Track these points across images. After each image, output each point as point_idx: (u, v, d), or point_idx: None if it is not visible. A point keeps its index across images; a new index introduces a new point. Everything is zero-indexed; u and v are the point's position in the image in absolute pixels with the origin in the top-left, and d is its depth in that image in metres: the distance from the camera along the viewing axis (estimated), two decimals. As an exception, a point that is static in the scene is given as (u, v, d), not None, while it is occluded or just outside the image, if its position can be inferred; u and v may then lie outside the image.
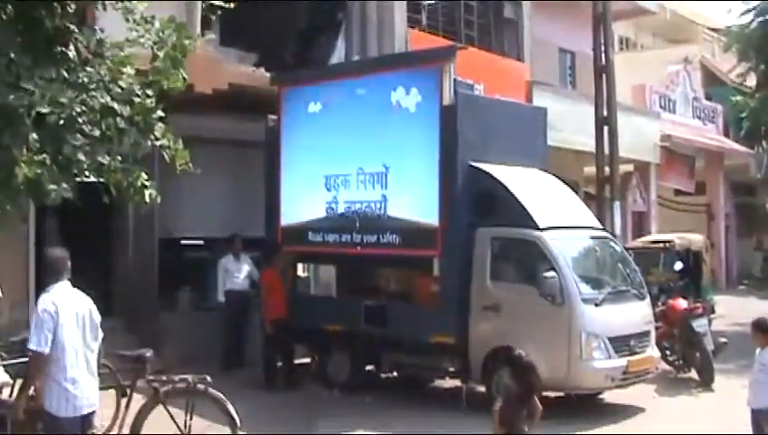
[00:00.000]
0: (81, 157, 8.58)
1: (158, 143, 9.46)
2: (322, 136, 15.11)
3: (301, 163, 15.43)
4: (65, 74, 8.80)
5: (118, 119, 8.98)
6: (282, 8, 19.06)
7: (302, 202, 15.40)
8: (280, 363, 15.10)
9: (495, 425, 7.75)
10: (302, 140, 15.46)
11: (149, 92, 9.33)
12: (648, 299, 14.16)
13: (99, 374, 10.16)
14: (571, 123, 23.04)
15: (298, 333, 15.18)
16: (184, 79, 9.76)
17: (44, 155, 8.23)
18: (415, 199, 13.81)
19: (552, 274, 12.59)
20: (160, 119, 9.45)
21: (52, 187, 8.35)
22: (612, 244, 14.85)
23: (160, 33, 9.70)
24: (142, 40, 9.73)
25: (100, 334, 7.97)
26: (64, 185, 8.46)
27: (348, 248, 14.68)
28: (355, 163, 14.57)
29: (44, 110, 8.09)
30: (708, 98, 37.27)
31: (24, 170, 7.99)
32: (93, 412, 7.77)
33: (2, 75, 8.14)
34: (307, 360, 15.70)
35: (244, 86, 16.09)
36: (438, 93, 13.55)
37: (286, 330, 14.96)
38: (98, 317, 7.93)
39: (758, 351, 9.35)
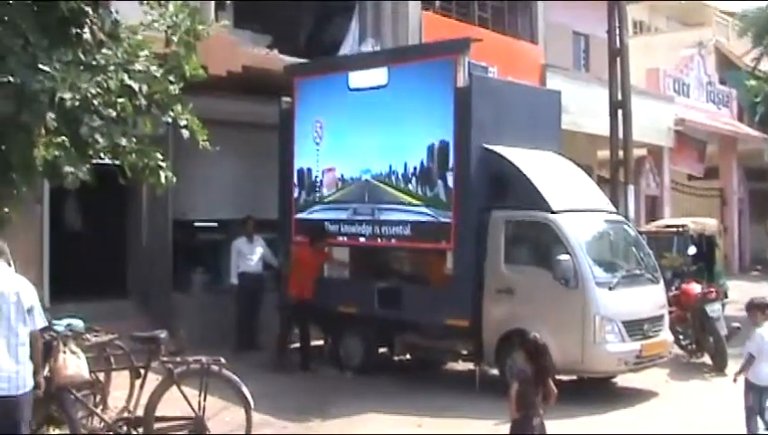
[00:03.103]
0: (99, 138, 8.58)
1: (180, 122, 9.46)
2: (337, 128, 15.17)
3: (314, 155, 15.49)
4: (81, 56, 8.80)
5: (139, 97, 8.98)
6: (296, -10, 19.08)
7: (315, 193, 15.45)
8: (296, 345, 15.13)
9: (512, 409, 7.77)
10: (315, 131, 15.50)
11: (172, 78, 9.35)
12: (661, 283, 14.13)
13: (113, 356, 10.36)
14: (584, 107, 23.02)
15: (312, 314, 15.23)
16: (203, 67, 9.80)
17: (62, 137, 8.23)
18: (429, 192, 13.79)
19: (565, 257, 12.56)
20: (178, 99, 9.47)
21: (70, 169, 8.35)
22: (626, 227, 14.82)
23: (174, 18, 9.70)
24: (156, 24, 9.74)
25: (37, 320, 7.70)
26: (82, 167, 8.46)
27: (362, 240, 14.75)
28: (369, 156, 14.62)
29: (67, 95, 8.08)
30: (722, 82, 37.11)
31: (43, 152, 7.99)
32: (13, 399, 7.44)
33: (19, 56, 8.14)
34: (320, 342, 15.73)
35: (257, 68, 16.08)
36: (452, 85, 13.52)
37: (307, 311, 15.00)
38: (28, 301, 7.62)
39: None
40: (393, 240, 14.30)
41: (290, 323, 15.09)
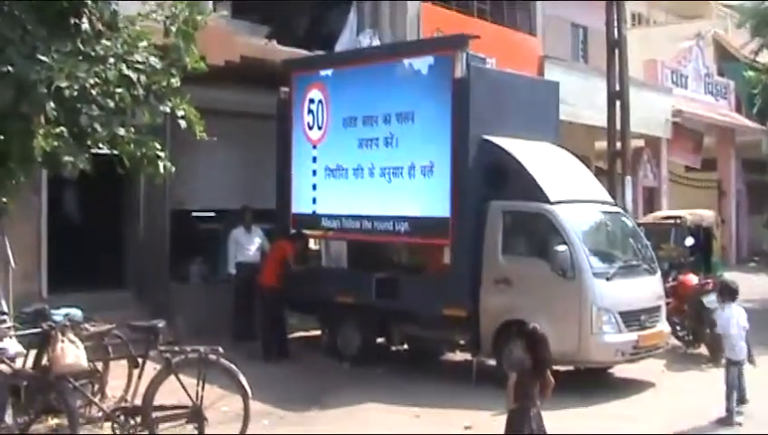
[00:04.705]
0: (97, 128, 8.60)
1: (178, 112, 9.48)
2: (334, 124, 15.17)
3: (311, 151, 15.51)
4: (80, 47, 8.81)
5: (138, 87, 9.00)
6: (294, -20, 19.06)
7: (312, 188, 15.48)
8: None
9: (510, 399, 7.79)
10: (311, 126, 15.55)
11: (174, 72, 9.36)
12: (658, 274, 14.16)
13: (111, 345, 10.40)
14: (582, 98, 23.04)
15: (309, 305, 15.34)
16: (202, 58, 9.81)
17: (61, 127, 8.25)
18: (426, 189, 13.81)
19: (563, 248, 12.58)
20: (177, 90, 9.49)
21: (69, 158, 8.37)
22: (624, 218, 14.83)
23: (172, 8, 9.71)
24: (154, 15, 9.74)
25: None
26: (81, 157, 8.48)
27: (360, 235, 14.78)
28: (368, 153, 14.60)
29: (63, 84, 8.10)
30: (720, 74, 37.11)
31: (41, 143, 8.01)
32: None
33: (18, 47, 8.16)
34: (317, 332, 15.77)
35: (255, 58, 16.06)
36: (450, 81, 13.50)
37: (279, 300, 15.07)
38: None
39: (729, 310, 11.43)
40: (391, 235, 14.30)
41: (267, 313, 15.16)
